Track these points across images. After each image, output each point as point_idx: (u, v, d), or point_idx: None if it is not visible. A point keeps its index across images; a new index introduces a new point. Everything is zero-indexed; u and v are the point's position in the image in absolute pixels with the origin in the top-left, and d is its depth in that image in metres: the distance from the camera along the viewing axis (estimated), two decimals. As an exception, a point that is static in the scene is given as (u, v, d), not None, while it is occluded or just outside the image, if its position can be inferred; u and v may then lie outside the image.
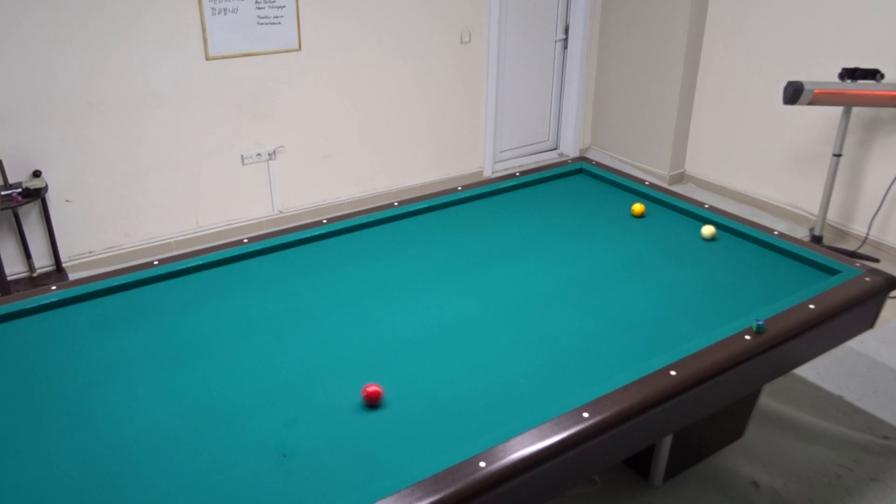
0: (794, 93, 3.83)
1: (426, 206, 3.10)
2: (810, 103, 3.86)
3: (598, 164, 3.56)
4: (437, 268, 2.63)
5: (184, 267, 2.58)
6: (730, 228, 2.88)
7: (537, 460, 1.70)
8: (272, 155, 4.54)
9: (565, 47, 5.65)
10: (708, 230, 2.78)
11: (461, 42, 5.04)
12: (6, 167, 3.73)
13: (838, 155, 4.13)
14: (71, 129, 3.86)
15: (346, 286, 2.50)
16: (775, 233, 2.81)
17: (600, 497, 2.57)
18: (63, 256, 4.02)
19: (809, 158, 4.61)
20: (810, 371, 3.27)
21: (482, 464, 1.65)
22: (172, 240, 4.36)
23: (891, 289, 2.49)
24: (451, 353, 2.12)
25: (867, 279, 2.46)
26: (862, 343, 3.44)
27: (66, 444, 1.77)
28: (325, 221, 2.93)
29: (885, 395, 3.10)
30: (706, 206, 3.06)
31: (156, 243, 4.31)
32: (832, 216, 4.53)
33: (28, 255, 3.90)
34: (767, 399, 3.09)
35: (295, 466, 1.70)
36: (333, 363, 2.08)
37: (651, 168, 5.50)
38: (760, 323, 2.14)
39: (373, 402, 1.90)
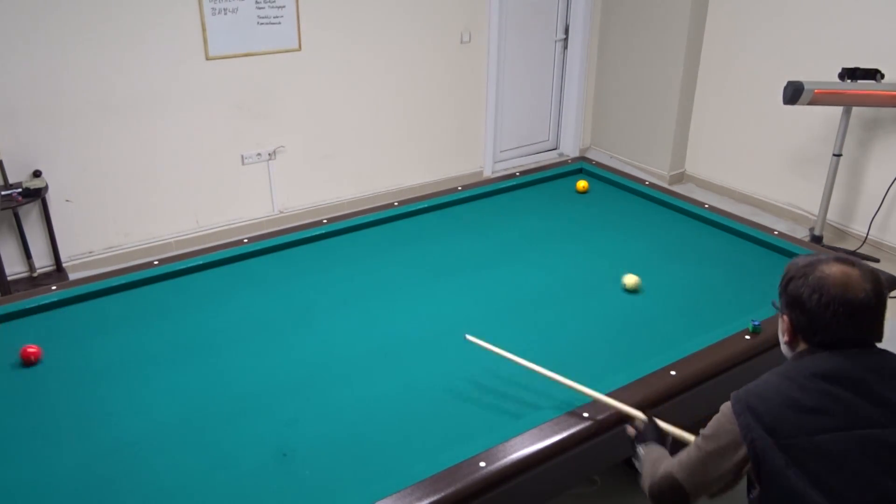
0: (794, 93, 3.82)
1: (426, 206, 3.10)
2: (810, 103, 3.86)
3: (599, 164, 3.56)
4: (437, 268, 2.63)
5: (184, 267, 2.58)
6: (730, 228, 2.88)
7: (537, 460, 1.70)
8: (272, 155, 4.54)
9: (565, 47, 5.65)
10: (630, 280, 2.46)
11: (461, 42, 5.04)
12: (6, 167, 3.73)
13: (838, 155, 4.12)
14: (71, 129, 3.86)
15: (346, 286, 2.50)
16: (775, 233, 2.81)
17: (600, 497, 2.57)
18: (63, 256, 4.02)
19: (809, 158, 4.61)
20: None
21: (482, 464, 1.65)
22: (172, 240, 4.36)
23: (891, 289, 2.49)
24: (452, 353, 2.12)
25: (867, 279, 2.45)
26: (862, 343, 3.43)
27: (67, 444, 1.77)
28: (325, 221, 2.93)
29: (885, 395, 3.09)
30: (706, 206, 3.06)
31: (156, 243, 4.31)
32: (832, 216, 4.52)
33: (28, 255, 3.90)
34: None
35: (295, 466, 1.70)
36: (333, 363, 2.08)
37: (651, 168, 5.50)
38: (756, 323, 2.14)
39: (28, 360, 2.06)
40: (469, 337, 2.04)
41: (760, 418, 1.31)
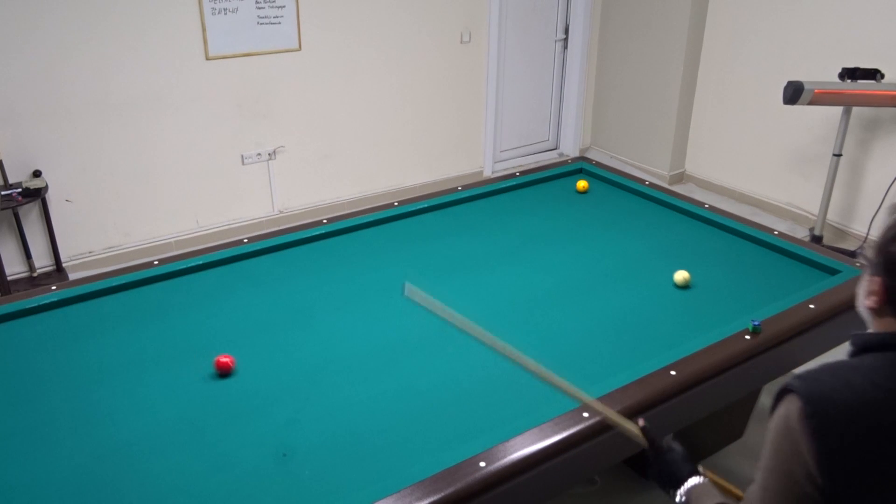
0: (794, 93, 3.82)
1: (426, 206, 3.10)
2: (810, 103, 3.86)
3: (599, 164, 3.55)
4: (437, 268, 2.63)
5: (184, 267, 2.58)
6: (730, 228, 2.88)
7: (537, 460, 1.69)
8: (272, 155, 4.54)
9: (565, 47, 5.65)
10: (681, 276, 2.48)
11: (461, 42, 5.04)
12: (6, 167, 3.73)
13: (838, 155, 4.12)
14: (71, 128, 3.86)
15: (346, 286, 2.50)
16: (775, 233, 2.81)
17: (600, 497, 2.57)
18: (63, 256, 4.02)
19: (809, 158, 4.61)
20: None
21: (482, 464, 1.65)
22: (172, 240, 4.36)
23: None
24: (452, 353, 2.12)
25: (867, 279, 2.45)
26: (862, 343, 3.42)
27: (67, 444, 1.77)
28: (325, 221, 2.93)
29: (885, 395, 3.09)
30: (706, 206, 3.06)
31: (156, 243, 4.31)
32: (832, 216, 4.52)
33: (28, 255, 3.90)
34: (767, 399, 3.09)
35: (295, 466, 1.70)
36: (333, 363, 2.08)
37: (651, 168, 5.50)
38: (756, 323, 2.14)
39: (224, 371, 2.02)
40: (409, 290, 1.55)
41: (853, 447, 0.94)
